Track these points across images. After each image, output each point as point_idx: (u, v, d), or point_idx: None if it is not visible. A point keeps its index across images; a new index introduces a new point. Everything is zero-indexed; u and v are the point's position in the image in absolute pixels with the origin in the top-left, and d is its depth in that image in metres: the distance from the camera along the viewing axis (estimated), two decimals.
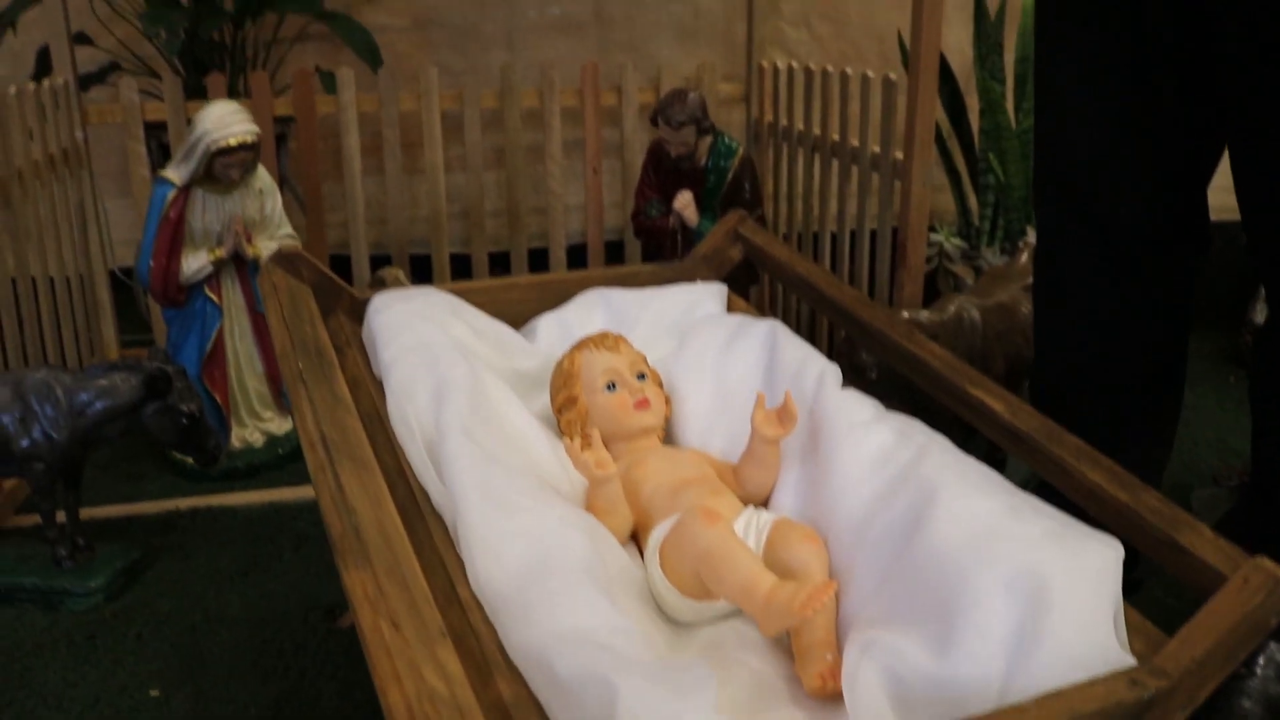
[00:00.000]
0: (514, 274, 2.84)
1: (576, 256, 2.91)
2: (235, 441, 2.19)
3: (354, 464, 1.02)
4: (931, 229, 2.77)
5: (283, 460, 2.21)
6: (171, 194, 1.98)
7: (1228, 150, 1.47)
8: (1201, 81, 1.43)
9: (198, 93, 2.65)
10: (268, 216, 2.12)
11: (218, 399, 2.14)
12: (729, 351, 1.39)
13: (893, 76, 2.19)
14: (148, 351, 1.81)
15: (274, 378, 2.21)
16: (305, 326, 1.26)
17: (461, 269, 2.86)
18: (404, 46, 3.02)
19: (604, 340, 1.35)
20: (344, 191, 2.72)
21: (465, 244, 2.89)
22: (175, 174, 1.99)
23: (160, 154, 2.73)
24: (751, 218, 2.20)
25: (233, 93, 2.70)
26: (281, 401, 2.25)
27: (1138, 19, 1.45)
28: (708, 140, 2.21)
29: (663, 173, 2.26)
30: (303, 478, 1.09)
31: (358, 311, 1.45)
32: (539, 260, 2.90)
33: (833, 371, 1.27)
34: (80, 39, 2.68)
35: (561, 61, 2.87)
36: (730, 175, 2.22)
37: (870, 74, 2.28)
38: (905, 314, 1.91)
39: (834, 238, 2.52)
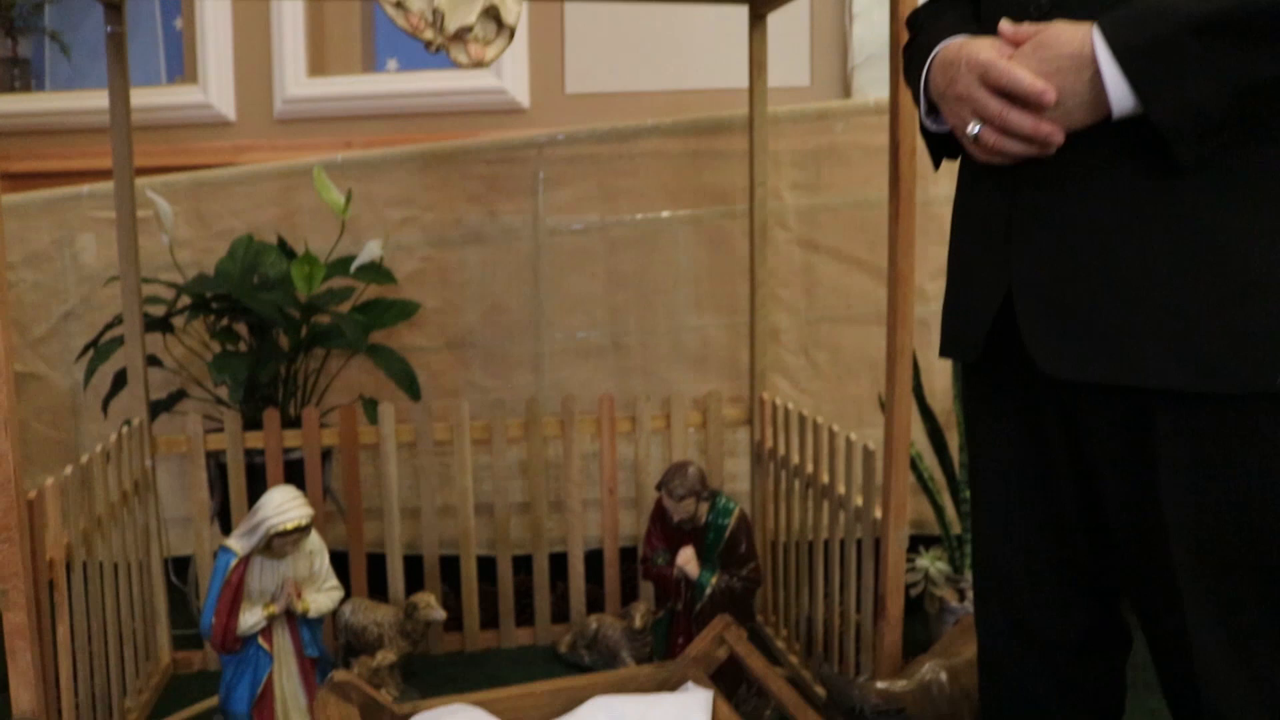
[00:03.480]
0: (535, 577, 3.12)
1: (594, 561, 3.19)
2: None
3: None
4: (916, 550, 3.01)
5: None
6: (234, 562, 2.27)
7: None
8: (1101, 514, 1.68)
9: (254, 422, 2.97)
10: (316, 573, 2.40)
11: None
12: None
13: (871, 446, 2.47)
14: None
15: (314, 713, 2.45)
16: None
17: (487, 573, 3.14)
18: (439, 365, 3.34)
19: None
20: (380, 499, 3.03)
21: (491, 546, 3.17)
22: (238, 545, 2.27)
23: (218, 472, 3.03)
24: (748, 569, 2.48)
25: (285, 420, 3.02)
26: None
27: (1046, 465, 1.70)
28: (706, 504, 2.48)
29: (668, 528, 2.53)
30: None
31: None
32: (559, 565, 3.17)
33: None
34: (150, 361, 3.01)
35: (582, 384, 3.19)
36: (728, 532, 2.48)
37: (853, 437, 2.55)
38: (880, 684, 2.15)
39: (826, 544, 2.75)
